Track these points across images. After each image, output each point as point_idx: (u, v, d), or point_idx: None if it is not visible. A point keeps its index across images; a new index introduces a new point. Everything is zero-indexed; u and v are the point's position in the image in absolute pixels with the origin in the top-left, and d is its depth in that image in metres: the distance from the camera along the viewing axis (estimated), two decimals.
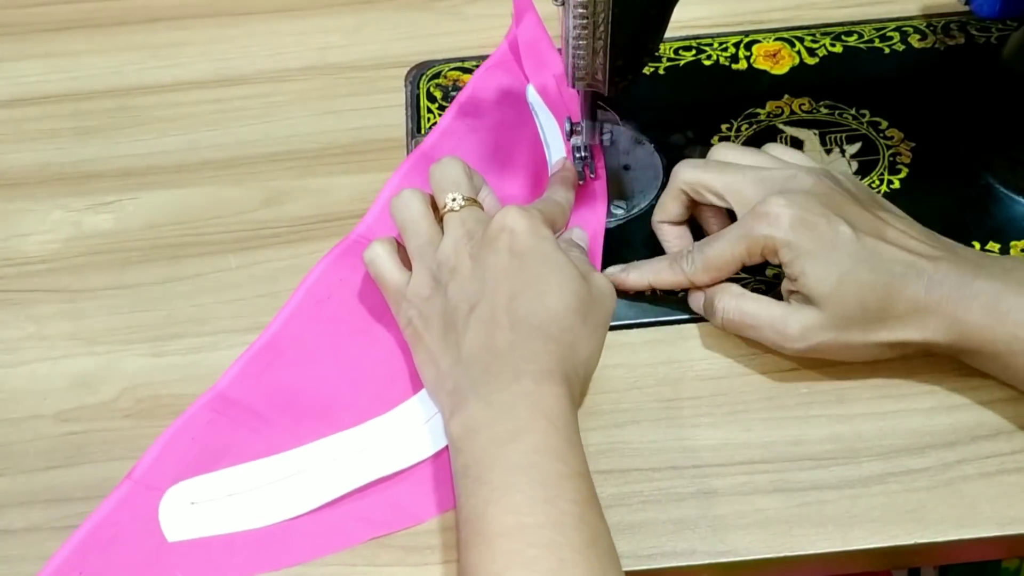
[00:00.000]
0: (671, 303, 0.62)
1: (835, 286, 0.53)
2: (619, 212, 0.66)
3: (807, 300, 0.55)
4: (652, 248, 0.64)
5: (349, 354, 0.60)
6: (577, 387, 0.53)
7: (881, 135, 0.69)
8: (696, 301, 0.60)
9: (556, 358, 0.52)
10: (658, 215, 0.62)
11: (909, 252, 0.54)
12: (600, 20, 0.57)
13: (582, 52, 0.59)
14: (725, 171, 0.58)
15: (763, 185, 0.57)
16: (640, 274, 0.61)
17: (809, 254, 0.54)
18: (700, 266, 0.58)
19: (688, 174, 0.59)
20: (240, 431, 0.57)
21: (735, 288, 0.58)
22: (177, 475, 0.56)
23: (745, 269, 0.61)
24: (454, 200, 0.58)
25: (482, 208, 0.59)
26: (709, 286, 0.59)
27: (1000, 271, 0.53)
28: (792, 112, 0.71)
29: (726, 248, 0.57)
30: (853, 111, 0.70)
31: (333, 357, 0.60)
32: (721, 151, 0.61)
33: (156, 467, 0.56)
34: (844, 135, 0.69)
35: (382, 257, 0.59)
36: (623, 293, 0.61)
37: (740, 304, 0.57)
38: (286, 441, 0.57)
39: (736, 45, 0.75)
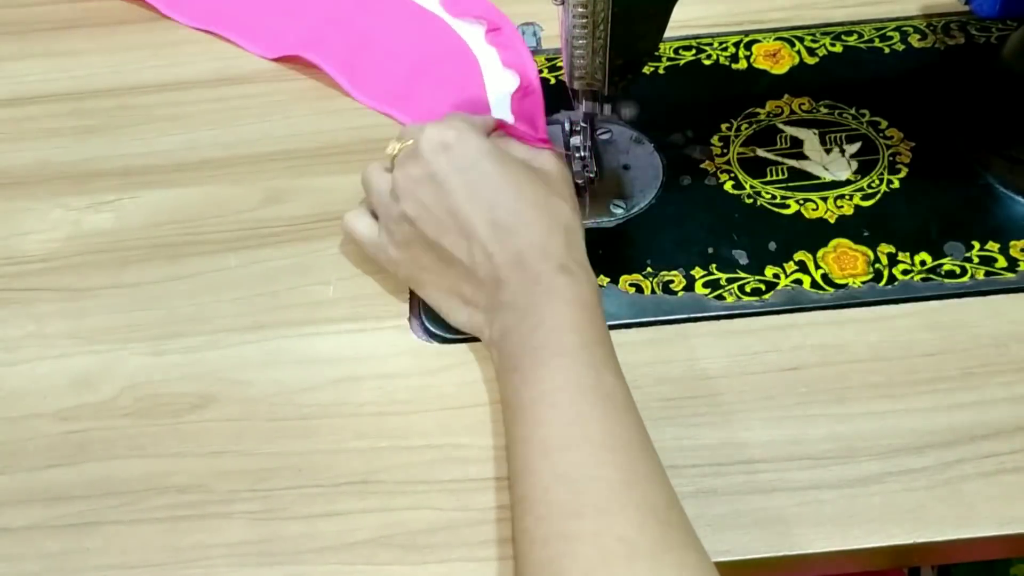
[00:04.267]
0: (671, 303, 0.62)
1: None
2: (619, 211, 0.66)
3: None
4: (652, 248, 0.64)
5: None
6: (575, 265, 0.56)
7: (881, 135, 0.69)
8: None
9: (547, 252, 0.56)
10: None
11: None
12: (600, 20, 0.57)
13: (582, 52, 0.59)
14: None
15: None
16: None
17: None
18: None
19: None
20: None
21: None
22: None
23: (745, 269, 0.62)
24: (391, 148, 0.61)
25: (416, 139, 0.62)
26: None
27: None
28: (792, 112, 0.71)
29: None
30: (853, 111, 0.70)
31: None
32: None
33: None
34: (844, 135, 0.69)
35: (351, 217, 0.63)
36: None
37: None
38: None
39: (736, 45, 0.75)
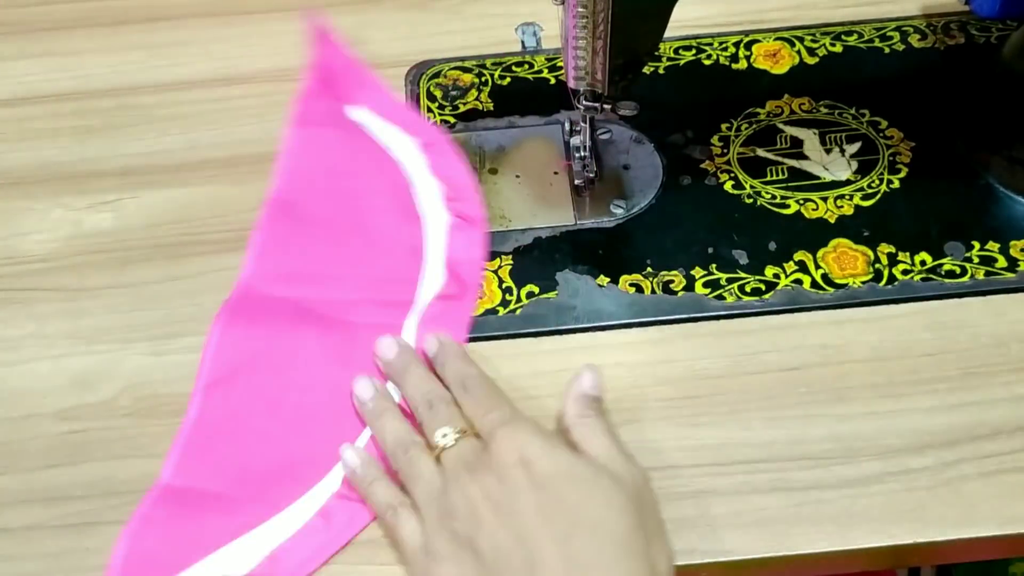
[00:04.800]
0: (671, 303, 0.62)
1: None
2: (619, 211, 0.66)
3: None
4: (652, 248, 0.64)
5: (286, 406, 0.58)
6: None
7: (881, 135, 0.69)
8: None
9: None
10: None
11: None
12: (600, 20, 0.57)
13: (582, 52, 0.59)
14: None
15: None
16: None
17: None
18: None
19: None
20: (207, 517, 0.54)
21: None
22: None
23: (745, 268, 0.62)
24: (445, 437, 0.52)
25: (473, 430, 0.53)
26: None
27: None
28: (792, 112, 0.71)
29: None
30: (853, 111, 0.70)
31: (270, 415, 0.58)
32: None
33: None
34: (844, 135, 0.69)
35: (393, 510, 0.52)
36: None
37: None
38: (263, 511, 0.54)
39: (736, 45, 0.75)
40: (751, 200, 0.66)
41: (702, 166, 0.68)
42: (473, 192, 0.66)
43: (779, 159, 0.68)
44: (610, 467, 0.49)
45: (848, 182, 0.67)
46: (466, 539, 0.48)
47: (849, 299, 0.61)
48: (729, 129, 0.70)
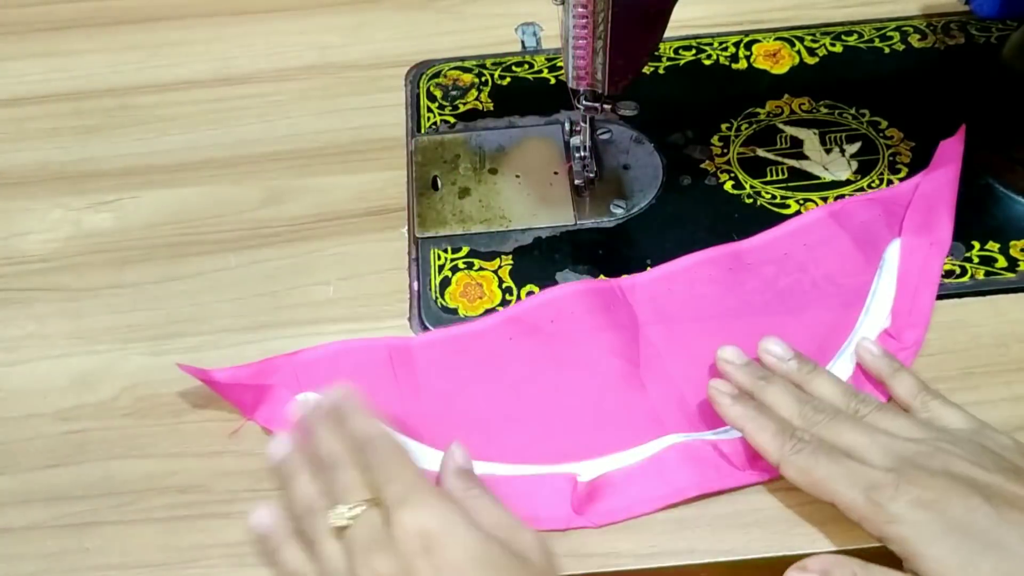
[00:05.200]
0: None
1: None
2: (619, 211, 0.66)
3: None
4: (652, 248, 0.64)
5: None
6: None
7: (881, 135, 0.69)
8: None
9: None
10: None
11: None
12: (600, 20, 0.57)
13: (582, 52, 0.59)
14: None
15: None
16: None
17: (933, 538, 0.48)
18: (802, 464, 0.51)
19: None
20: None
21: (855, 562, 0.50)
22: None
23: None
24: (340, 516, 0.48)
25: (376, 502, 0.48)
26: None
27: None
28: (792, 112, 0.71)
29: (839, 489, 0.51)
30: (853, 111, 0.70)
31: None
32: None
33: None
34: (844, 135, 0.69)
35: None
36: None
37: None
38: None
39: (736, 45, 0.75)
40: (751, 200, 0.66)
41: (702, 166, 0.68)
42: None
43: (779, 159, 0.68)
44: (513, 542, 0.48)
45: (848, 182, 0.67)
46: None
47: None
48: (729, 129, 0.70)
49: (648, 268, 0.63)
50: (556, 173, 0.69)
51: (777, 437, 0.52)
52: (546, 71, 0.75)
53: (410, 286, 0.64)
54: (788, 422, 0.53)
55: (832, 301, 0.60)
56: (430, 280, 0.64)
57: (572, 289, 0.62)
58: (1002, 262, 0.62)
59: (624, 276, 0.62)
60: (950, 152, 0.65)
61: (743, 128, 0.70)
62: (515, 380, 0.59)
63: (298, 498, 0.50)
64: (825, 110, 0.71)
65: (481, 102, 0.74)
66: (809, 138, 0.69)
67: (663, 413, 0.57)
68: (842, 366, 0.58)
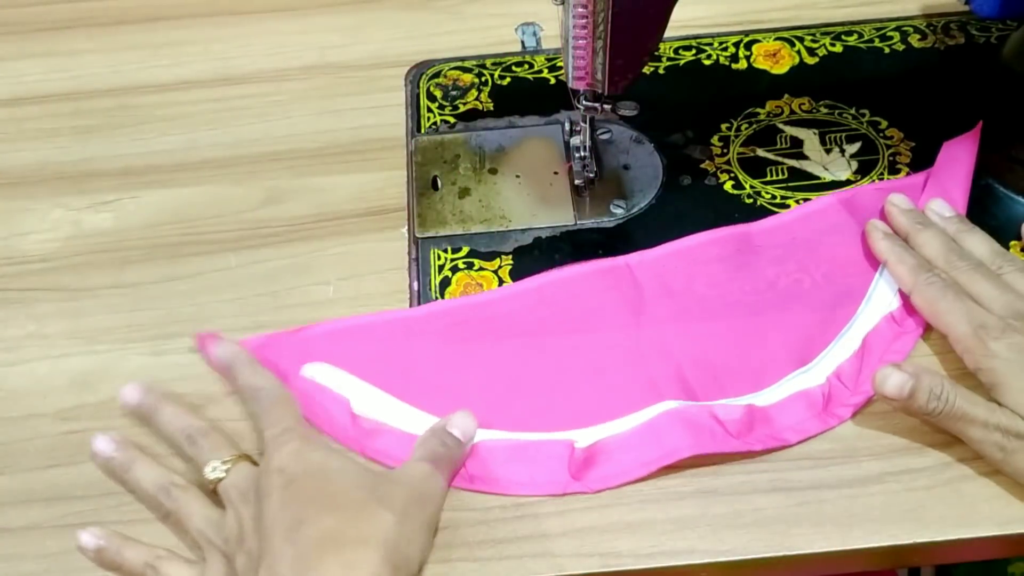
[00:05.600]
0: None
1: None
2: (619, 211, 0.66)
3: None
4: (652, 247, 0.64)
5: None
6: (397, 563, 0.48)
7: (881, 135, 0.69)
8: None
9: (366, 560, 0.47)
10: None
11: None
12: (600, 20, 0.57)
13: (582, 52, 0.59)
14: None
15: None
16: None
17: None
18: (929, 295, 0.57)
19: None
20: None
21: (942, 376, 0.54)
22: None
23: None
24: (215, 471, 0.53)
25: (249, 459, 0.53)
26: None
27: None
28: (792, 112, 0.71)
29: (953, 321, 0.55)
30: (853, 111, 0.70)
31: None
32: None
33: None
34: (844, 135, 0.69)
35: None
36: None
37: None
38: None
39: (736, 45, 0.75)
40: (751, 200, 0.66)
41: (702, 166, 0.68)
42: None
43: (779, 159, 0.68)
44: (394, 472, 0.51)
45: (848, 182, 0.67)
46: (231, 558, 0.50)
47: None
48: (729, 129, 0.70)
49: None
50: (556, 173, 0.69)
51: (915, 270, 0.58)
52: (546, 71, 0.75)
53: (410, 286, 0.64)
54: (930, 262, 0.58)
55: (830, 300, 0.61)
56: (430, 280, 0.64)
57: (580, 269, 0.62)
58: None
59: (633, 253, 0.63)
60: (958, 150, 0.65)
61: (743, 128, 0.70)
62: (516, 349, 0.60)
63: (145, 480, 0.54)
64: (825, 110, 0.71)
65: (481, 102, 0.74)
66: (809, 138, 0.69)
67: (661, 382, 0.57)
68: (840, 350, 0.58)
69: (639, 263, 0.63)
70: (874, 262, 0.61)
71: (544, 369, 0.59)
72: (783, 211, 0.65)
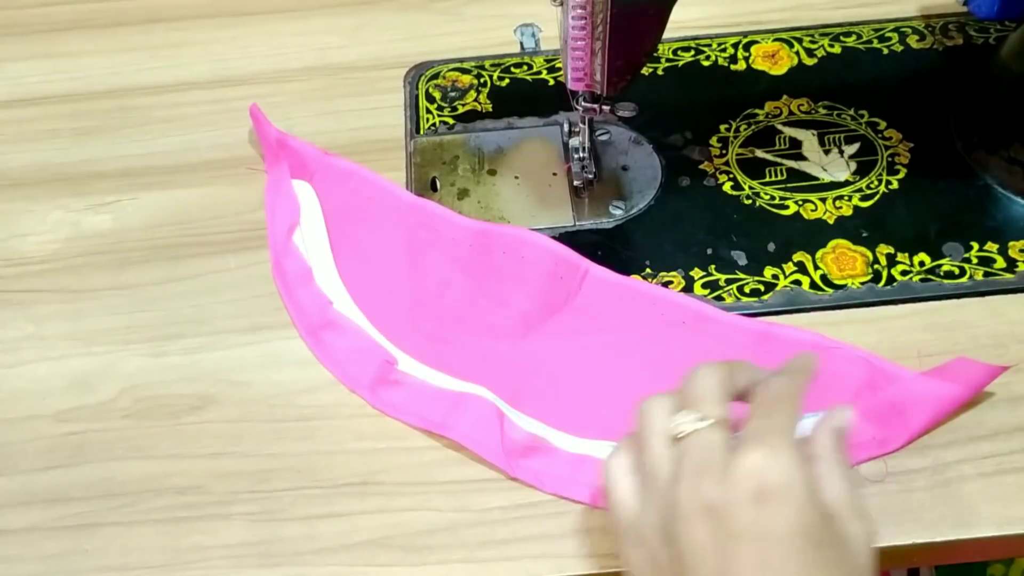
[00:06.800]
0: None
1: None
2: (618, 212, 0.66)
3: None
4: (651, 249, 0.64)
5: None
6: None
7: (879, 135, 0.69)
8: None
9: None
10: None
11: None
12: (599, 20, 0.57)
13: (581, 53, 0.59)
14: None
15: None
16: None
17: None
18: None
19: None
20: None
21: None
22: None
23: (743, 269, 0.62)
24: (679, 425, 0.47)
25: (725, 428, 0.47)
26: None
27: None
28: (791, 112, 0.71)
29: None
30: (851, 111, 0.70)
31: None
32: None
33: None
34: (842, 135, 0.69)
35: (614, 470, 0.49)
36: None
37: None
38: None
39: (735, 46, 0.76)
40: (750, 201, 0.66)
41: (701, 167, 0.68)
42: None
43: (778, 160, 0.68)
44: (842, 524, 0.45)
45: (847, 183, 0.67)
46: (672, 536, 0.45)
47: (848, 300, 0.62)
48: (728, 130, 0.70)
49: (647, 270, 0.63)
50: (555, 174, 0.69)
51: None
52: (545, 72, 0.75)
53: None
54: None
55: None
56: None
57: (547, 244, 0.62)
58: (1001, 263, 0.62)
59: (599, 265, 0.61)
60: (971, 375, 0.57)
61: (742, 129, 0.70)
62: (438, 283, 0.62)
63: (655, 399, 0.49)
64: (824, 111, 0.71)
65: (480, 103, 0.74)
66: (808, 139, 0.69)
67: (503, 374, 0.59)
68: None
69: (592, 278, 0.61)
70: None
71: (467, 311, 0.61)
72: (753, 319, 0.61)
